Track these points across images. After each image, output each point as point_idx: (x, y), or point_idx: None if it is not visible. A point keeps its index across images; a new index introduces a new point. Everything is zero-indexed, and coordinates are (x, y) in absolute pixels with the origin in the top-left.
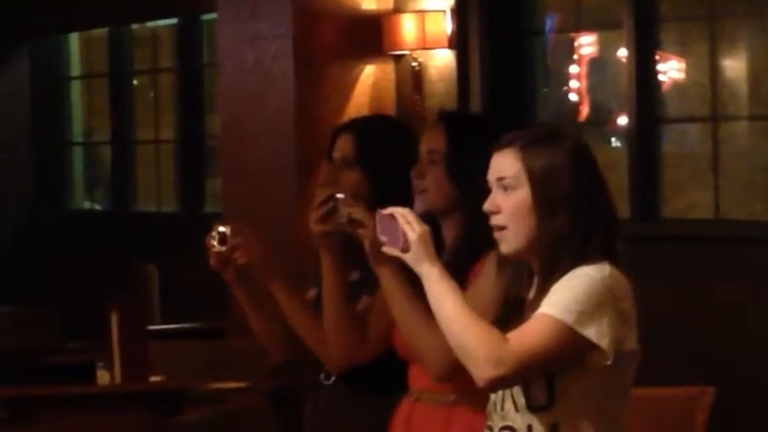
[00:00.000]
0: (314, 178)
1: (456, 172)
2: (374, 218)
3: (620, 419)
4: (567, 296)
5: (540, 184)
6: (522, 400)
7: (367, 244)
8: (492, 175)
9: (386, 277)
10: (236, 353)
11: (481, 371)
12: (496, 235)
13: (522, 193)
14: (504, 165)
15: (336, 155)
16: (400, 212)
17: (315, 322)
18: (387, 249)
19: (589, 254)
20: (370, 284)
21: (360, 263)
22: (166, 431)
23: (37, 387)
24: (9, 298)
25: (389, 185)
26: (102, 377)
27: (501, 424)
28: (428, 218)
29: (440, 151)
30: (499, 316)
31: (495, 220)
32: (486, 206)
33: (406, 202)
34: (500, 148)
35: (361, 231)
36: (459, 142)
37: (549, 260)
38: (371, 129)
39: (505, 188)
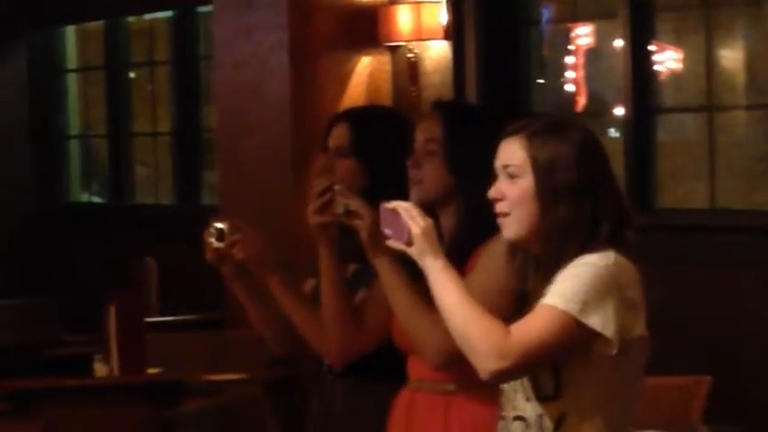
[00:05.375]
0: (310, 170)
1: (453, 160)
2: (371, 209)
3: (628, 407)
4: (571, 286)
5: (544, 174)
6: (531, 391)
7: (364, 235)
8: (498, 162)
9: (383, 268)
10: (234, 344)
11: (485, 364)
12: (499, 221)
13: (527, 182)
14: (511, 153)
15: (331, 144)
16: (404, 207)
17: (312, 317)
18: (391, 243)
19: (595, 244)
20: (367, 277)
21: (357, 255)
22: (165, 423)
23: (35, 380)
24: (6, 291)
25: (384, 175)
26: (100, 370)
27: (513, 414)
28: (427, 209)
29: (437, 139)
30: (508, 305)
31: (499, 207)
32: (491, 193)
33: (401, 191)
34: (507, 135)
35: (357, 223)
36: (456, 131)
37: (554, 250)
38: (367, 118)
39: (510, 176)
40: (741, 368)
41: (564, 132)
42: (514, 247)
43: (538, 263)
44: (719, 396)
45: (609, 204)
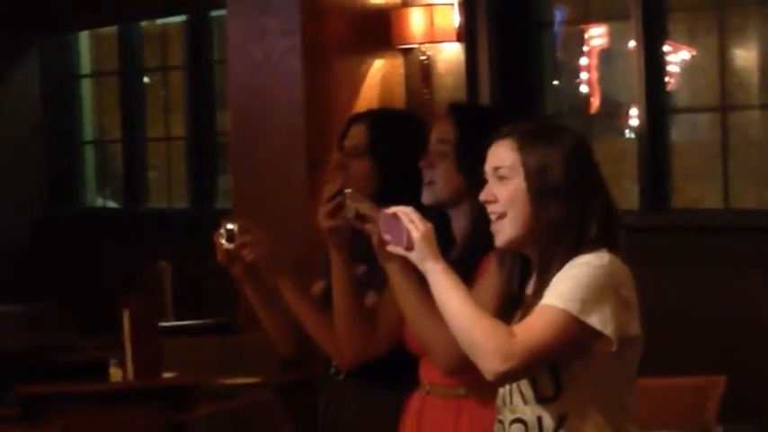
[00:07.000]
0: (324, 173)
1: (465, 162)
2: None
3: (626, 406)
4: (568, 286)
5: (534, 177)
6: (530, 393)
7: (375, 239)
8: (488, 165)
9: (394, 272)
10: (247, 348)
11: (489, 366)
12: (493, 225)
13: (517, 183)
14: (501, 155)
15: (348, 143)
16: (403, 211)
17: (321, 319)
18: (391, 248)
19: (586, 245)
20: (375, 279)
21: (365, 257)
22: (179, 427)
23: (50, 384)
24: (22, 296)
25: (398, 177)
26: (115, 374)
27: (511, 417)
28: (438, 210)
29: (449, 141)
30: (500, 309)
31: (492, 209)
32: (482, 196)
33: (414, 194)
34: (498, 138)
35: (368, 226)
36: (469, 132)
37: (547, 252)
38: (385, 120)
39: (501, 178)
40: (755, 367)
41: (554, 136)
42: (503, 254)
43: (533, 266)
44: (733, 395)
45: (597, 206)
